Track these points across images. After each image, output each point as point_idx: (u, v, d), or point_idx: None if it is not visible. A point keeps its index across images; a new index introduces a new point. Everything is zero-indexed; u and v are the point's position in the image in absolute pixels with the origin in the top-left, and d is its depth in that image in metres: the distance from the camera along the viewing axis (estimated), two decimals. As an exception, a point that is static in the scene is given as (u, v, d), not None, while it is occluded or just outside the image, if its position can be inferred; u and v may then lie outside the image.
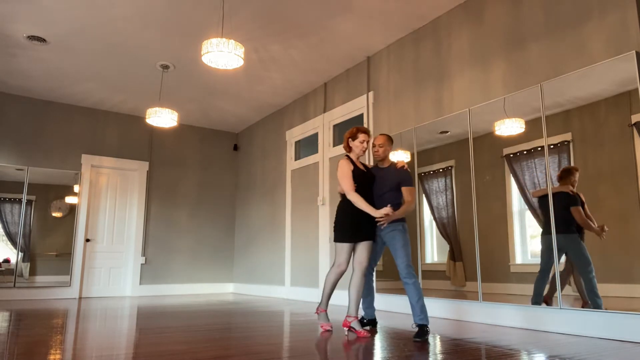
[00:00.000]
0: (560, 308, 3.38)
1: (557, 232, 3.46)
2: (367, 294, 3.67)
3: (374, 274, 3.83)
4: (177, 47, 5.52)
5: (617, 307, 3.06)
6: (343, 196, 3.53)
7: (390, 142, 3.69)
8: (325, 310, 3.57)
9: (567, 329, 3.35)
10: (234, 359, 2.43)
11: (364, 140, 3.54)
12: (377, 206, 3.51)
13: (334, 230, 3.49)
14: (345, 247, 3.42)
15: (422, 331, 3.14)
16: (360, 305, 4.02)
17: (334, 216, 3.54)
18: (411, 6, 4.66)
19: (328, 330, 3.47)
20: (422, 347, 2.80)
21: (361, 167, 3.57)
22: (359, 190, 3.44)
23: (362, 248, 3.45)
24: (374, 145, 3.67)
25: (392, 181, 3.52)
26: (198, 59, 5.83)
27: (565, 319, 3.36)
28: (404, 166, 3.59)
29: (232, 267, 8.56)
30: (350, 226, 3.41)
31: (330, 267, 3.63)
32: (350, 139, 3.59)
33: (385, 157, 3.66)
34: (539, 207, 3.62)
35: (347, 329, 3.39)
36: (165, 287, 7.83)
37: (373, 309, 3.69)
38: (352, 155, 3.58)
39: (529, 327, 3.59)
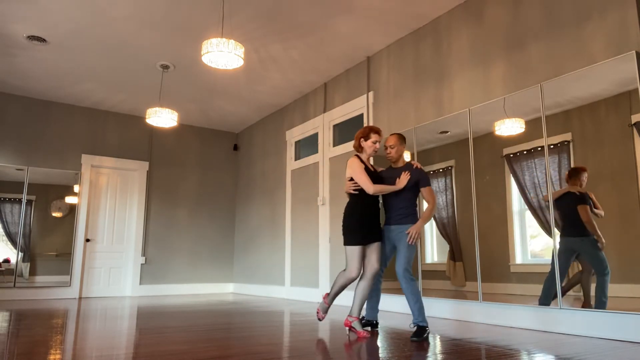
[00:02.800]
0: (560, 308, 3.38)
1: (573, 235, 3.36)
2: (372, 295, 3.61)
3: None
4: (177, 47, 5.52)
5: (618, 307, 3.06)
6: (352, 196, 3.44)
7: (402, 141, 3.58)
8: (329, 306, 3.59)
9: (567, 329, 3.35)
10: (234, 359, 2.43)
11: (376, 141, 3.48)
12: (392, 209, 3.46)
13: (344, 234, 3.40)
14: (356, 250, 3.32)
15: (420, 332, 3.13)
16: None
17: (343, 219, 3.46)
18: (411, 6, 4.66)
19: (320, 319, 3.64)
20: (422, 347, 2.80)
21: (370, 167, 3.52)
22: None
23: (373, 251, 3.40)
24: (385, 147, 3.58)
25: (409, 181, 3.43)
26: (198, 59, 5.83)
27: (565, 319, 3.36)
28: (417, 166, 3.49)
29: (232, 267, 8.56)
30: (360, 228, 3.34)
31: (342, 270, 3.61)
32: (362, 139, 3.51)
33: (399, 158, 3.57)
34: (556, 209, 3.50)
35: (348, 328, 3.38)
36: (165, 287, 7.83)
37: (377, 310, 3.62)
38: (362, 156, 3.53)
39: (529, 327, 3.59)
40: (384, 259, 3.52)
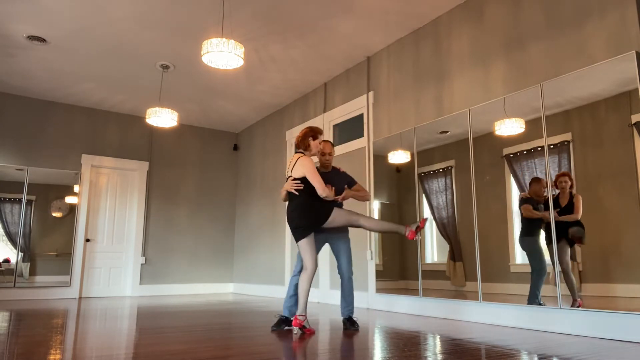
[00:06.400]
0: (560, 308, 3.38)
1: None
2: (295, 293, 3.66)
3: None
4: (177, 47, 5.52)
5: (617, 307, 3.06)
6: (304, 194, 3.45)
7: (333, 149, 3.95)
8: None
9: (567, 329, 3.35)
10: (234, 359, 2.43)
11: (320, 143, 3.64)
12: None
13: (298, 228, 3.43)
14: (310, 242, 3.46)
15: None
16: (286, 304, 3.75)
17: (299, 215, 3.45)
18: (411, 6, 4.66)
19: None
20: (422, 346, 2.80)
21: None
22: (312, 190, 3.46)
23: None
24: (323, 154, 3.78)
25: (341, 184, 3.76)
26: (198, 59, 5.83)
27: (565, 319, 3.36)
28: (342, 170, 3.91)
29: (232, 267, 8.56)
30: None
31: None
32: (311, 138, 3.57)
33: (330, 164, 3.90)
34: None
35: (298, 328, 3.34)
36: (165, 287, 7.83)
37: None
38: (307, 154, 3.56)
39: (529, 327, 3.59)
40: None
